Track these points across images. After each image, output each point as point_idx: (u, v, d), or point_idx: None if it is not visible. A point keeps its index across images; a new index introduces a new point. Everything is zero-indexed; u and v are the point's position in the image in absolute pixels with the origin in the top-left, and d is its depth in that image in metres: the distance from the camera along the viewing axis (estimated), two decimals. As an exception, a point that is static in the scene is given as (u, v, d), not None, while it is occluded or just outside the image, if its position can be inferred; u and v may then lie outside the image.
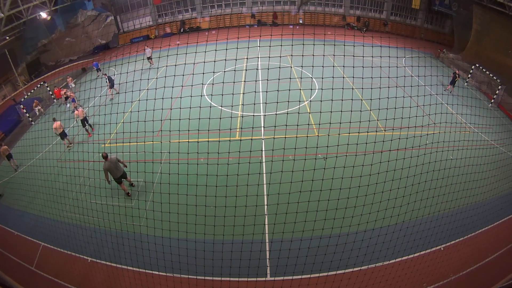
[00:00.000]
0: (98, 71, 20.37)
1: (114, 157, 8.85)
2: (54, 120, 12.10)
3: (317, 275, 6.40)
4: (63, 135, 12.31)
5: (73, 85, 18.21)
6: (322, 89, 5.51)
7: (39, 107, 15.87)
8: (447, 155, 8.88)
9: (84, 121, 13.16)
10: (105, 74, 16.51)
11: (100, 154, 8.75)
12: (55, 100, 17.46)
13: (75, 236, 8.00)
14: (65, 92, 16.35)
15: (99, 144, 12.20)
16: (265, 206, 8.17)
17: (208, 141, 7.03)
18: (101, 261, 7.58)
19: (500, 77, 14.96)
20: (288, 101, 7.32)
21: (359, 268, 6.71)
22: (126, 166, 9.28)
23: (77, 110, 13.06)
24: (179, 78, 6.12)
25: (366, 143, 6.41)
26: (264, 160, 10.21)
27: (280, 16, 28.60)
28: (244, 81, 14.51)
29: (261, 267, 6.88)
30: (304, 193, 5.80)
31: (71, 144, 12.71)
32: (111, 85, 16.16)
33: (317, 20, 28.50)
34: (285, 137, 5.90)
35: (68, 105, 16.38)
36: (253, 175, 8.00)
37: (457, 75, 15.22)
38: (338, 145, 5.99)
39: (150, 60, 20.28)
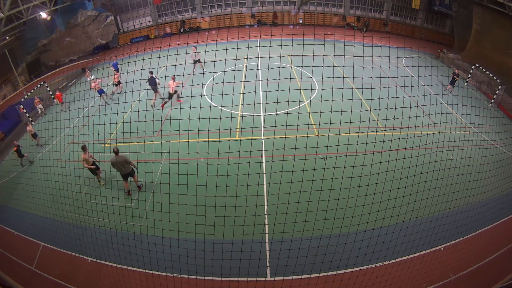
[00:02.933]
0: (116, 72, 18.39)
1: (125, 156, 9.07)
2: (85, 149, 9.48)
3: (317, 275, 6.40)
4: (95, 169, 9.91)
5: (91, 79, 17.97)
6: (322, 89, 5.51)
7: (41, 105, 15.84)
8: (447, 155, 8.87)
9: (173, 94, 13.53)
10: (151, 73, 14.14)
11: (100, 155, 8.80)
12: (54, 101, 17.43)
13: (75, 236, 8.00)
14: (96, 85, 15.66)
15: (99, 144, 12.18)
16: (265, 206, 8.17)
17: (208, 141, 7.03)
18: (101, 261, 7.58)
19: (500, 77, 14.96)
20: (288, 101, 7.33)
21: (359, 268, 6.71)
22: (135, 167, 9.38)
23: (174, 86, 13.09)
24: (179, 78, 6.12)
25: (366, 143, 6.40)
26: (264, 160, 10.21)
27: (280, 16, 28.59)
28: (244, 81, 14.50)
29: (261, 267, 6.88)
30: (304, 193, 5.79)
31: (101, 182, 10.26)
32: (155, 89, 14.58)
33: (317, 20, 28.50)
34: (285, 137, 5.90)
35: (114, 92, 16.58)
36: (253, 175, 7.99)
37: (456, 75, 15.20)
38: (338, 145, 5.99)
39: (197, 62, 17.88)
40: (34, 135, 12.88)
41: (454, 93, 15.37)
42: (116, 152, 8.95)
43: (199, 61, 17.91)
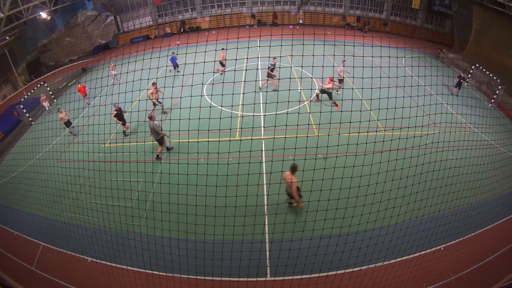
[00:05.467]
0: (175, 68, 17.55)
1: (154, 125, 9.97)
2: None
3: (317, 275, 6.40)
4: None
5: (115, 72, 17.83)
6: (322, 89, 5.51)
7: (47, 103, 15.71)
8: (447, 155, 8.87)
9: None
10: (275, 58, 14.64)
11: (100, 155, 8.77)
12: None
13: (75, 236, 8.00)
14: (155, 93, 12.89)
15: (99, 144, 12.19)
16: (265, 206, 8.17)
17: (208, 141, 7.03)
18: (101, 261, 7.58)
19: (500, 77, 14.95)
20: (288, 101, 7.33)
21: (359, 268, 6.71)
22: (166, 135, 10.38)
23: None
24: (179, 78, 6.12)
25: (366, 143, 6.41)
26: (264, 160, 10.21)
27: (280, 16, 28.59)
28: (244, 81, 14.50)
29: (261, 267, 6.88)
30: (304, 193, 5.80)
31: None
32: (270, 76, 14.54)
33: (317, 20, 28.50)
34: (285, 137, 5.90)
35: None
36: (253, 175, 8.00)
37: (462, 79, 15.00)
38: (338, 145, 5.99)
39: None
40: (68, 123, 12.88)
41: (454, 93, 15.37)
42: (150, 118, 9.91)
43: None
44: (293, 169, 7.39)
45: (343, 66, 14.48)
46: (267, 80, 14.92)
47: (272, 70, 14.65)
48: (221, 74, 16.89)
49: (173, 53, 17.46)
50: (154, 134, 10.24)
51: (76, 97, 16.55)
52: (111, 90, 16.43)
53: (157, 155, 10.64)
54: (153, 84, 12.86)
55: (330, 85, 12.53)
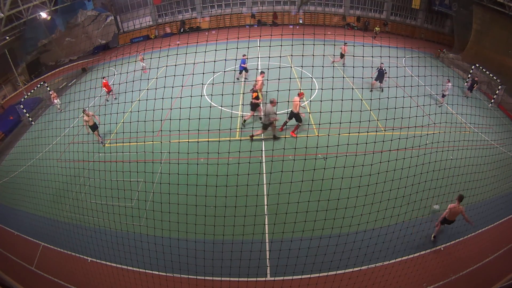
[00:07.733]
0: (245, 72, 15.85)
1: (270, 110, 10.07)
2: None
3: (317, 275, 6.40)
4: None
5: (144, 64, 17.84)
6: (322, 89, 5.52)
7: (58, 100, 15.58)
8: (447, 155, 8.87)
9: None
10: (382, 63, 13.36)
11: (100, 155, 8.69)
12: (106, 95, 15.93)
13: (75, 236, 7.99)
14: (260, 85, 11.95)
15: (99, 144, 12.20)
16: (265, 206, 8.17)
17: (208, 141, 7.03)
18: (101, 261, 7.58)
19: (500, 77, 14.94)
20: (288, 101, 7.34)
21: (359, 268, 6.71)
22: (272, 121, 10.23)
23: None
24: (179, 78, 6.13)
25: (366, 143, 6.41)
26: (264, 160, 10.20)
27: (280, 16, 28.59)
28: (244, 81, 14.51)
29: (261, 267, 6.88)
30: (304, 193, 5.80)
31: None
32: (381, 80, 13.57)
33: (317, 20, 28.51)
34: (285, 137, 5.90)
35: None
36: (253, 175, 8.00)
37: (475, 83, 14.86)
38: (338, 145, 5.99)
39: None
40: (94, 127, 11.76)
41: (454, 93, 15.36)
42: (271, 102, 10.02)
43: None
44: (461, 198, 7.08)
45: (449, 84, 13.57)
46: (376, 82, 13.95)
47: (381, 78, 13.79)
48: (333, 66, 16.47)
49: (244, 55, 15.33)
50: (264, 117, 10.34)
51: (76, 97, 16.52)
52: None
53: (252, 135, 10.81)
54: (261, 73, 11.74)
55: (297, 102, 10.74)
